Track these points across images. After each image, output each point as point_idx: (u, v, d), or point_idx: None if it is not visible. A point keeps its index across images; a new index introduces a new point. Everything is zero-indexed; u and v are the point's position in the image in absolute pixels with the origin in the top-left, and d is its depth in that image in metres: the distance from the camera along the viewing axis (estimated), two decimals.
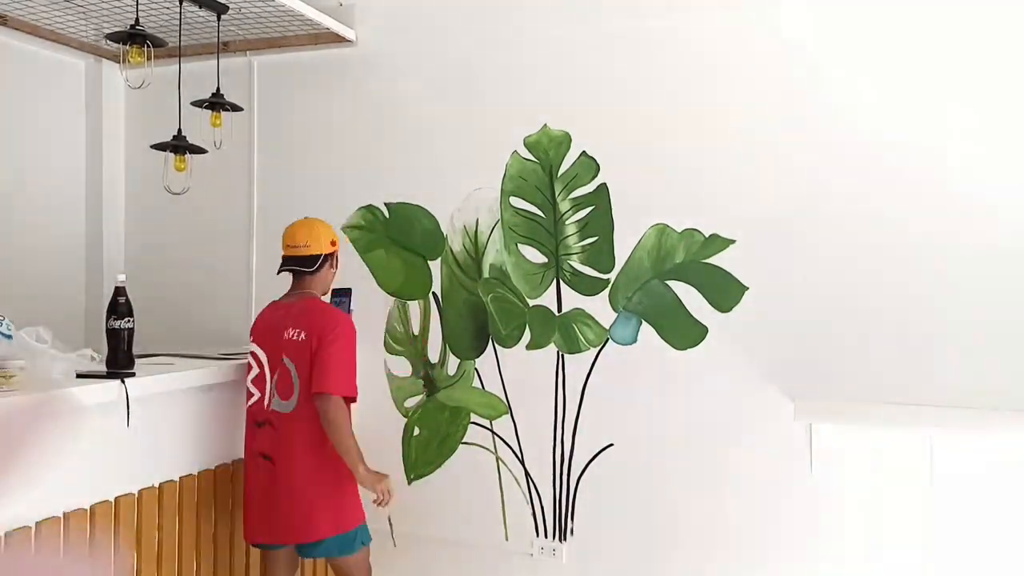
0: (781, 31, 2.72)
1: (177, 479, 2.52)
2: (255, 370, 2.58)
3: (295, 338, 2.48)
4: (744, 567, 2.77)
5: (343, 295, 2.95)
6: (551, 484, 3.02)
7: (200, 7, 2.92)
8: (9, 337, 2.09)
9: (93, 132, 3.63)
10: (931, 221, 2.57)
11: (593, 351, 2.96)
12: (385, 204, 3.25)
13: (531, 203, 3.03)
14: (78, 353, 2.29)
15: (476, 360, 3.12)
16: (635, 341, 2.90)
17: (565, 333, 2.99)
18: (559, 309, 3.00)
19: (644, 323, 2.89)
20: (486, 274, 3.10)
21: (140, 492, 2.36)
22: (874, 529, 2.64)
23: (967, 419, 2.47)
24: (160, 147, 2.94)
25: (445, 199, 3.15)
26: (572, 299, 2.98)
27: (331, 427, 2.40)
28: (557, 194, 2.99)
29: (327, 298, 2.74)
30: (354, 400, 2.52)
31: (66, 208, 3.58)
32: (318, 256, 2.57)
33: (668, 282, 2.85)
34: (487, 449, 3.11)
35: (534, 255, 3.03)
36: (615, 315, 2.92)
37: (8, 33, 3.17)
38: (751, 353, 2.75)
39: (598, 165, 2.93)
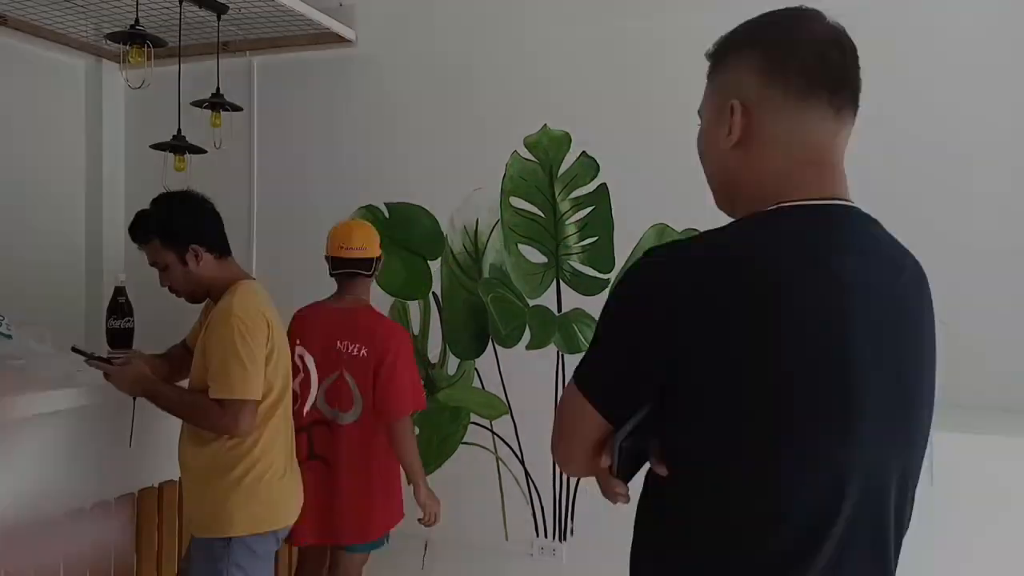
0: None
1: (177, 479, 2.52)
2: (300, 374, 2.49)
3: (355, 353, 2.46)
4: None
5: None
6: (551, 484, 3.02)
7: (200, 7, 2.92)
8: (9, 337, 2.09)
9: (93, 132, 3.63)
10: (931, 221, 2.56)
11: None
12: (385, 204, 3.25)
13: (531, 203, 3.03)
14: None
15: (476, 360, 3.12)
16: None
17: (565, 333, 2.99)
18: (559, 309, 3.00)
19: None
20: (486, 274, 3.10)
21: (140, 492, 2.36)
22: None
23: (967, 419, 2.46)
24: (160, 147, 2.94)
25: (445, 199, 3.15)
26: (572, 299, 2.98)
27: (402, 447, 2.48)
28: (557, 194, 2.99)
29: None
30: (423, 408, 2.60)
31: (66, 208, 3.58)
32: (372, 259, 2.54)
33: None
34: (487, 449, 3.11)
35: (534, 255, 3.03)
36: None
37: (8, 33, 3.17)
38: None
39: (598, 165, 2.93)
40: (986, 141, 2.52)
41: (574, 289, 2.97)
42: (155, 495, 2.43)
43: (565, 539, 3.01)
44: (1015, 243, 2.49)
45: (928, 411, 1.11)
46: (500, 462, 3.09)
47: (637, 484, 2.94)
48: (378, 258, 2.58)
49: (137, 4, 2.84)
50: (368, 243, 2.55)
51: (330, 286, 2.91)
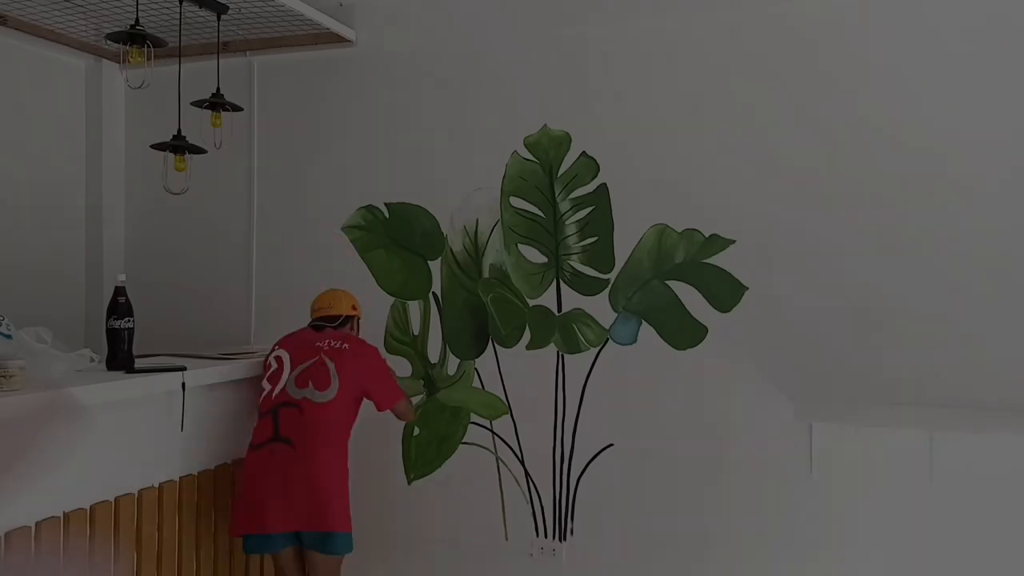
0: (782, 30, 2.73)
1: (177, 479, 2.52)
2: (272, 368, 2.68)
3: (336, 346, 2.69)
4: (744, 567, 2.77)
5: None
6: (551, 484, 3.02)
7: (200, 7, 2.92)
8: (9, 337, 2.09)
9: (93, 132, 3.63)
10: (932, 221, 2.57)
11: (593, 351, 2.96)
12: (385, 204, 3.25)
13: (531, 203, 3.03)
14: (77, 353, 2.29)
15: (476, 360, 3.12)
16: (635, 341, 2.90)
17: (565, 333, 2.99)
18: (559, 309, 3.00)
19: (644, 323, 2.89)
20: (486, 274, 3.10)
21: (140, 492, 2.36)
22: (874, 529, 2.64)
23: (967, 419, 2.47)
24: (160, 147, 2.94)
25: (445, 199, 3.15)
26: (572, 299, 2.98)
27: (409, 418, 2.92)
28: (557, 194, 2.99)
29: None
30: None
31: (66, 208, 3.58)
32: (338, 316, 2.83)
33: (668, 282, 2.85)
34: (487, 449, 3.11)
35: (534, 255, 3.03)
36: (615, 315, 2.92)
37: (8, 33, 3.17)
38: (751, 353, 2.75)
39: (598, 165, 2.93)
40: (986, 140, 2.52)
41: (574, 289, 2.97)
42: (155, 495, 2.43)
43: (565, 539, 3.01)
44: (1015, 243, 2.49)
45: None
46: (500, 462, 3.09)
47: (637, 484, 2.95)
48: (349, 316, 2.86)
49: (137, 4, 2.84)
50: (334, 303, 2.85)
51: (328, 285, 2.92)
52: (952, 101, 2.55)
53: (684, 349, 2.84)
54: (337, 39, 3.23)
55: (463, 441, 3.14)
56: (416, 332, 3.20)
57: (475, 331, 3.12)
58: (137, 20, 2.72)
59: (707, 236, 2.80)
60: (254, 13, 3.06)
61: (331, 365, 2.62)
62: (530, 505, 3.05)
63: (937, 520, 2.57)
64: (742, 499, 2.77)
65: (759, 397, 2.74)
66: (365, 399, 2.70)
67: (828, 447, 2.67)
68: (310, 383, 2.60)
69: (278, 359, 2.69)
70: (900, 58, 2.61)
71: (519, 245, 3.05)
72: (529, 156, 3.03)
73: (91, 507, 2.20)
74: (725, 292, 2.78)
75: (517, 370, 3.06)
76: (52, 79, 3.50)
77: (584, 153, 2.95)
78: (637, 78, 2.89)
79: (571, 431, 2.99)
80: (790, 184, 2.71)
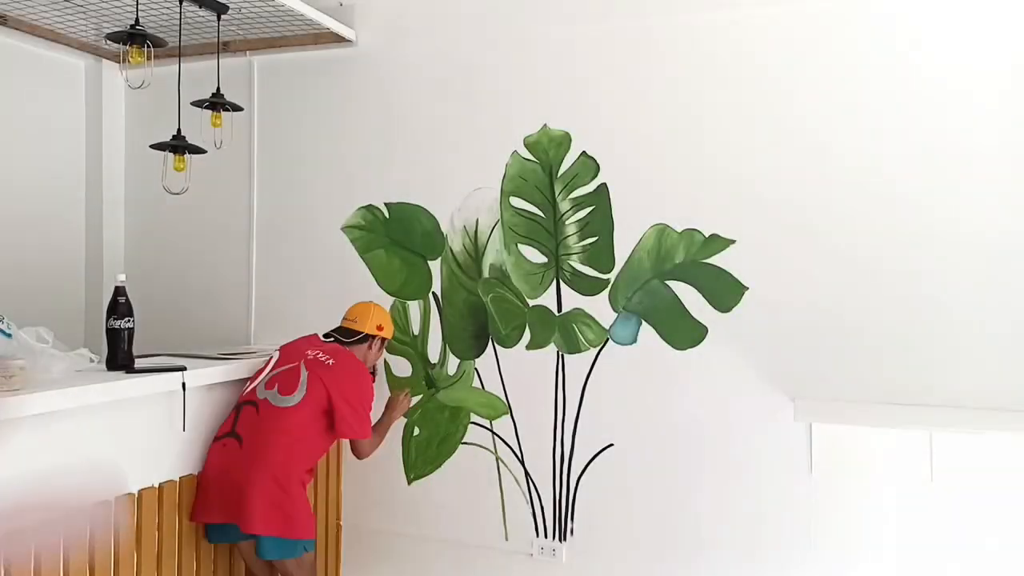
0: (781, 31, 2.72)
1: (177, 479, 2.52)
2: (259, 368, 2.72)
3: (322, 359, 2.67)
4: (744, 566, 2.77)
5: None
6: (551, 484, 3.02)
7: (200, 7, 2.92)
8: (9, 336, 2.09)
9: (93, 132, 3.63)
10: (932, 221, 2.57)
11: (593, 351, 2.96)
12: (385, 204, 3.25)
13: (531, 203, 3.03)
14: (77, 353, 2.29)
15: (476, 360, 3.12)
16: (635, 341, 2.90)
17: (565, 333, 2.99)
18: (559, 309, 3.00)
19: (644, 323, 2.89)
20: (486, 274, 3.10)
21: (140, 492, 2.36)
22: (874, 529, 2.64)
23: (967, 419, 2.46)
24: (160, 147, 2.94)
25: (445, 199, 3.15)
26: (572, 299, 2.98)
27: (362, 456, 2.78)
28: (557, 194, 2.99)
29: None
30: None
31: (66, 208, 3.58)
32: (358, 332, 2.82)
33: (668, 282, 2.86)
34: (487, 449, 3.11)
35: (534, 255, 3.03)
36: (615, 315, 2.92)
37: (8, 33, 3.17)
38: (751, 353, 2.75)
39: (598, 165, 2.93)
40: (987, 140, 2.52)
41: (574, 289, 2.97)
42: (155, 495, 2.42)
43: (565, 539, 3.01)
44: (1016, 243, 2.49)
45: None
46: (500, 462, 3.09)
47: (637, 484, 2.95)
48: (371, 336, 2.83)
49: (137, 4, 2.84)
50: (360, 318, 2.85)
51: (328, 285, 2.92)
52: (953, 101, 2.55)
53: (684, 349, 2.84)
54: (337, 39, 3.23)
55: (463, 441, 3.14)
56: (416, 332, 3.20)
57: (475, 331, 3.12)
58: (137, 20, 2.72)
59: (707, 236, 2.80)
60: (254, 13, 3.06)
61: (304, 374, 2.63)
62: (530, 505, 3.05)
63: (937, 520, 2.57)
64: (742, 499, 2.77)
65: (759, 397, 2.74)
66: None
67: (828, 447, 2.67)
68: (276, 386, 2.62)
69: (269, 359, 2.74)
70: (900, 58, 2.61)
71: (519, 245, 3.05)
72: (529, 156, 3.03)
73: (91, 507, 2.19)
74: (725, 292, 2.78)
75: (517, 370, 3.06)
76: (52, 79, 3.50)
77: (584, 153, 2.95)
78: (637, 78, 2.89)
79: (571, 431, 2.99)
80: (790, 184, 2.70)
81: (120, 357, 2.38)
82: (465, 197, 3.12)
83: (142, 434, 2.41)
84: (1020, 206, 2.49)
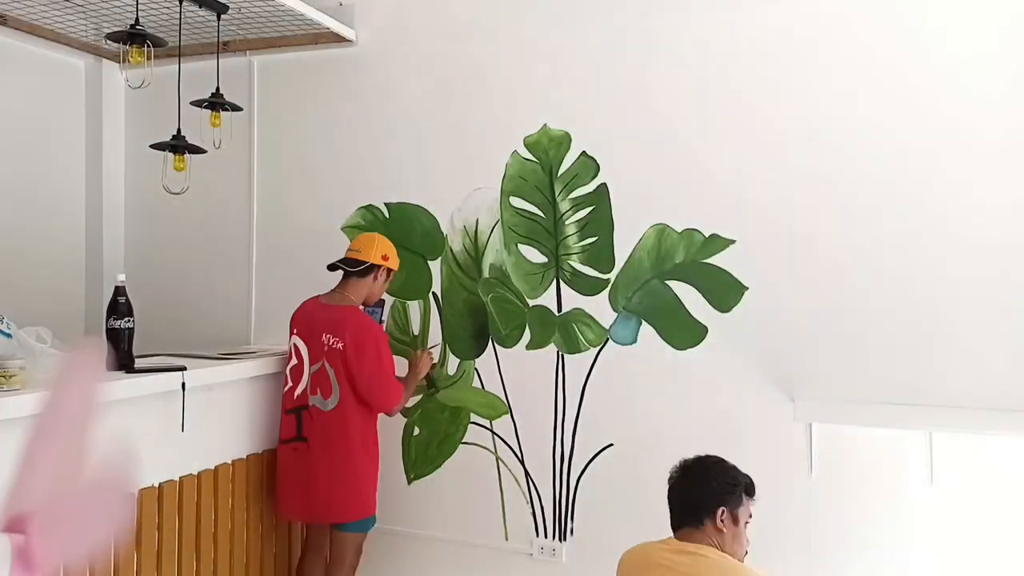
0: (781, 31, 2.72)
1: (177, 479, 2.52)
2: (293, 360, 2.80)
3: (334, 346, 2.71)
4: None
5: (376, 306, 2.98)
6: (551, 484, 3.02)
7: (200, 7, 2.92)
8: (9, 336, 2.09)
9: (93, 132, 3.63)
10: (932, 221, 2.57)
11: (593, 351, 2.96)
12: (385, 204, 3.25)
13: (531, 203, 3.03)
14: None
15: (476, 360, 3.12)
16: (635, 341, 2.90)
17: (565, 333, 2.99)
18: (559, 309, 3.00)
19: (644, 323, 2.89)
20: (486, 274, 3.10)
21: (140, 492, 2.36)
22: (874, 529, 2.64)
23: (967, 419, 2.46)
24: (160, 147, 2.94)
25: (445, 199, 3.15)
26: (572, 299, 2.98)
27: (392, 413, 2.92)
28: (557, 194, 2.99)
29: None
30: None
31: (66, 208, 3.58)
32: (364, 263, 2.79)
33: (668, 282, 2.85)
34: (487, 449, 3.11)
35: (534, 255, 3.03)
36: (615, 315, 2.92)
37: (8, 33, 3.17)
38: (751, 353, 2.75)
39: (598, 165, 2.93)
40: (987, 140, 2.52)
41: (574, 289, 2.97)
42: (155, 495, 2.43)
43: (565, 539, 3.01)
44: (1016, 242, 2.49)
45: None
46: (500, 462, 3.09)
47: (637, 484, 2.94)
48: (376, 266, 2.81)
49: (137, 4, 2.84)
50: (364, 248, 2.82)
51: (328, 285, 2.92)
52: (953, 101, 2.55)
53: (684, 349, 2.84)
54: (337, 39, 3.23)
55: (463, 441, 3.14)
56: (416, 332, 3.20)
57: (475, 331, 3.12)
58: (137, 20, 2.72)
59: (707, 236, 2.80)
60: (254, 13, 3.06)
61: (331, 372, 2.71)
62: (530, 505, 3.05)
63: (937, 520, 2.57)
64: None
65: (759, 397, 2.74)
66: None
67: (828, 447, 2.67)
68: (318, 391, 2.74)
69: (296, 350, 2.79)
70: (900, 58, 2.61)
71: (519, 245, 3.05)
72: (529, 156, 3.03)
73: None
74: (725, 292, 2.78)
75: (517, 370, 3.06)
76: (52, 79, 3.50)
77: (584, 153, 2.95)
78: (637, 78, 2.89)
79: (571, 431, 2.99)
80: (790, 184, 2.70)
81: (120, 357, 2.38)
82: (465, 197, 3.12)
83: (142, 434, 2.41)
84: (1020, 206, 2.49)
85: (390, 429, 3.18)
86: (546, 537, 3.03)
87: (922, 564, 2.58)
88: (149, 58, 2.65)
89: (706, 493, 2.00)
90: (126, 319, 2.38)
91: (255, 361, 2.83)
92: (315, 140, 3.37)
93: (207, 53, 3.19)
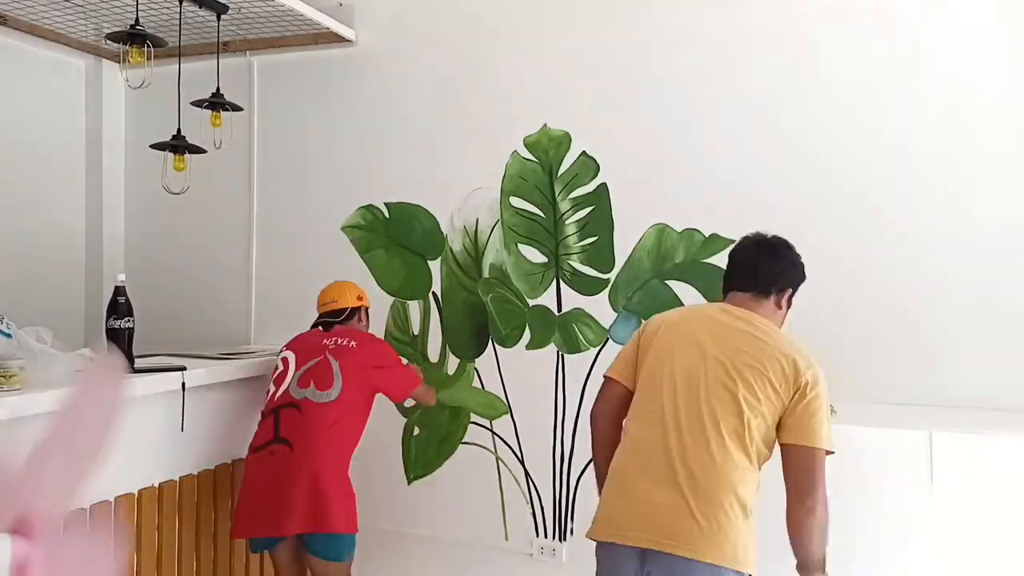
0: (781, 31, 2.72)
1: (177, 479, 2.52)
2: (279, 370, 2.66)
3: (343, 344, 2.64)
4: None
5: None
6: (551, 484, 3.02)
7: (200, 7, 2.92)
8: (9, 336, 2.09)
9: (93, 132, 3.63)
10: (932, 221, 2.57)
11: (593, 351, 2.96)
12: (385, 204, 3.25)
13: (531, 203, 3.03)
14: (77, 353, 2.29)
15: (476, 360, 3.12)
16: None
17: (565, 333, 2.99)
18: (559, 309, 3.00)
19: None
20: (486, 274, 3.10)
21: (140, 492, 2.36)
22: (874, 529, 2.63)
23: (967, 419, 2.46)
24: (160, 147, 2.94)
25: (445, 199, 3.15)
26: (572, 299, 2.98)
27: (432, 400, 2.92)
28: (557, 194, 2.99)
29: None
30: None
31: (66, 208, 3.58)
32: (344, 309, 2.78)
33: (668, 282, 2.85)
34: (487, 449, 3.11)
35: (534, 255, 3.03)
36: (615, 315, 2.92)
37: (8, 33, 3.17)
38: None
39: (598, 165, 2.93)
40: (987, 140, 2.52)
41: (574, 289, 2.97)
42: (155, 495, 2.42)
43: (565, 539, 3.01)
44: (1015, 242, 2.49)
45: None
46: (500, 462, 3.09)
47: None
48: (356, 308, 2.80)
49: (137, 4, 2.84)
50: (339, 296, 2.79)
51: (328, 284, 2.92)
52: (953, 101, 2.55)
53: None
54: (337, 39, 3.23)
55: (463, 441, 3.14)
56: (416, 332, 3.20)
57: (475, 331, 3.12)
58: (137, 20, 2.72)
59: (707, 236, 2.80)
60: (254, 13, 3.06)
61: (335, 364, 2.58)
62: (530, 505, 3.05)
63: (937, 520, 2.56)
64: None
65: None
66: (380, 394, 2.68)
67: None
68: (312, 383, 2.55)
69: (284, 361, 2.65)
70: (900, 58, 2.61)
71: (519, 245, 3.05)
72: (529, 156, 3.03)
73: (90, 507, 2.20)
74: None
75: (517, 370, 3.06)
76: (52, 79, 3.51)
77: (584, 153, 2.95)
78: (637, 78, 2.89)
79: (571, 431, 2.99)
80: (790, 184, 2.70)
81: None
82: (465, 197, 3.12)
83: (142, 434, 2.41)
84: (1020, 206, 2.49)
85: (390, 429, 3.18)
86: (546, 537, 3.03)
87: (922, 564, 2.58)
88: (149, 58, 2.65)
89: (784, 270, 2.06)
90: (126, 319, 2.37)
91: (255, 361, 2.83)
92: (315, 140, 3.37)
93: (207, 53, 3.19)
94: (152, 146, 2.96)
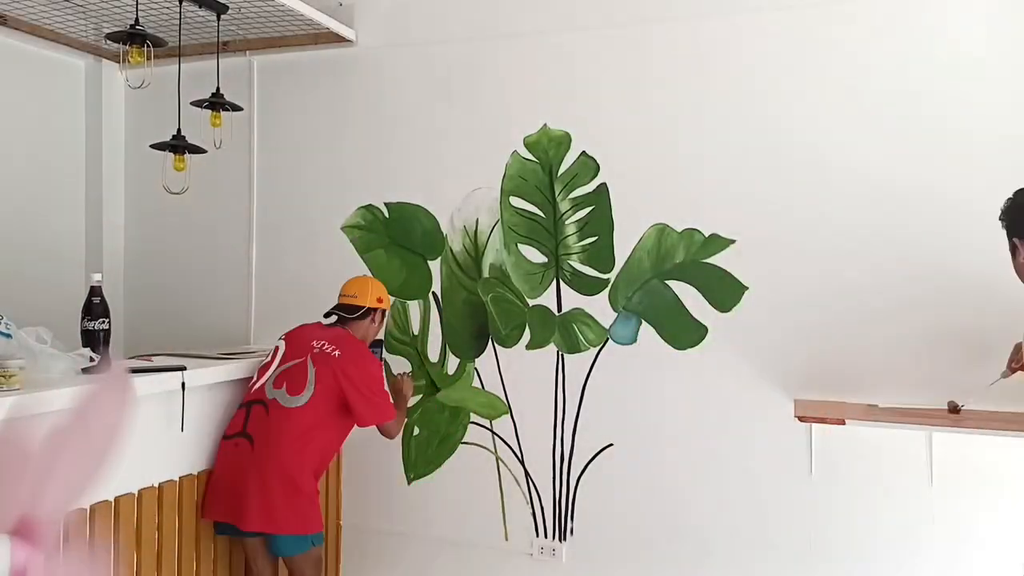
0: (781, 31, 2.72)
1: (177, 479, 2.52)
2: (266, 359, 2.69)
3: (327, 350, 2.60)
4: (744, 567, 2.77)
5: (375, 345, 2.95)
6: (551, 484, 3.02)
7: (200, 7, 2.92)
8: (9, 336, 2.09)
9: (93, 132, 3.63)
10: (931, 221, 2.57)
11: (593, 351, 2.96)
12: (385, 204, 3.25)
13: (531, 203, 3.03)
14: (77, 353, 2.28)
15: (476, 360, 3.12)
16: (635, 341, 2.90)
17: (565, 333, 2.99)
18: (559, 309, 3.00)
19: (644, 323, 2.89)
20: (486, 274, 3.10)
21: (140, 492, 2.36)
22: (874, 529, 2.64)
23: (967, 419, 2.46)
24: (160, 147, 2.94)
25: (445, 199, 3.15)
26: (572, 299, 2.98)
27: (392, 436, 2.75)
28: (557, 194, 2.99)
29: None
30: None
31: (66, 208, 3.57)
32: (362, 307, 2.74)
33: (668, 282, 2.85)
34: (487, 449, 3.11)
35: (534, 255, 3.03)
36: (615, 315, 2.92)
37: (8, 33, 3.17)
38: (751, 353, 2.75)
39: (598, 165, 2.93)
40: (987, 139, 2.52)
41: (574, 289, 2.97)
42: (155, 495, 2.42)
43: (565, 539, 3.01)
44: None
45: None
46: (500, 462, 3.09)
47: (637, 484, 2.94)
48: (373, 309, 2.76)
49: (137, 4, 2.84)
50: (360, 293, 2.76)
51: (328, 285, 2.92)
52: (952, 101, 2.55)
53: (684, 349, 2.84)
54: (337, 39, 3.23)
55: (463, 441, 3.14)
56: (416, 332, 3.20)
57: (475, 331, 3.12)
58: (137, 20, 2.72)
59: (707, 236, 2.80)
60: (254, 13, 3.06)
61: (312, 370, 2.56)
62: (530, 505, 3.05)
63: (937, 520, 2.57)
64: (742, 499, 2.77)
65: (759, 397, 2.74)
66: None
67: (828, 447, 2.67)
68: (284, 385, 2.57)
69: (275, 351, 2.69)
70: (900, 58, 2.61)
71: (519, 245, 3.05)
72: (529, 156, 3.03)
73: (90, 507, 2.19)
74: (725, 292, 2.78)
75: (517, 370, 3.06)
76: (52, 79, 3.50)
77: (584, 153, 2.95)
78: (637, 78, 2.89)
79: (571, 431, 2.99)
80: (790, 184, 2.70)
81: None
82: (465, 197, 3.12)
83: (142, 434, 2.40)
84: None
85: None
86: (546, 537, 3.03)
87: (922, 564, 2.58)
88: (149, 58, 2.65)
89: None
90: (101, 320, 2.31)
91: (255, 361, 2.83)
92: (315, 140, 3.37)
93: (207, 53, 3.19)
94: (152, 146, 2.96)
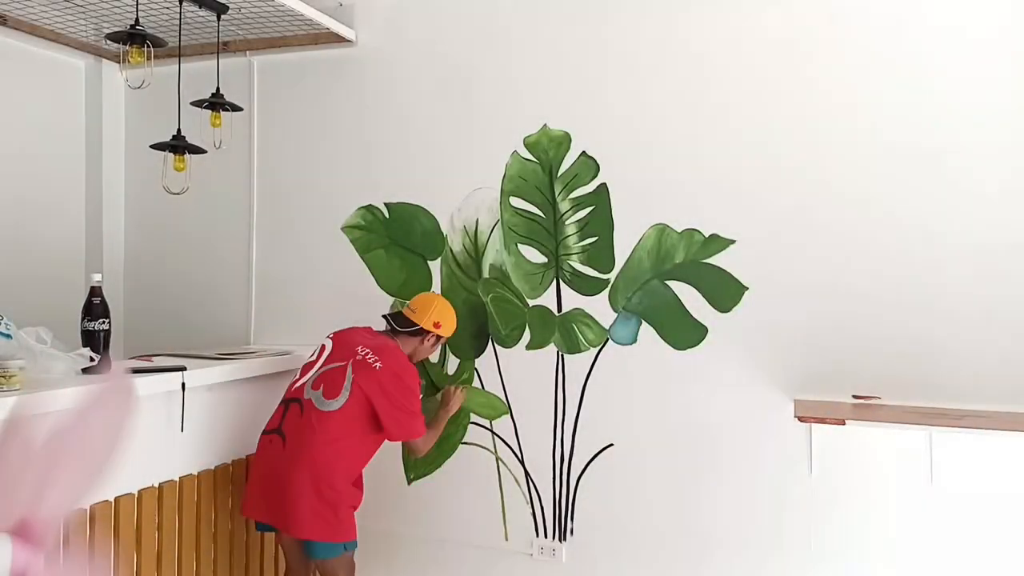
0: (781, 31, 2.72)
1: (177, 479, 2.52)
2: (312, 357, 2.67)
3: (370, 361, 2.58)
4: (744, 567, 2.77)
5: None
6: (551, 484, 3.02)
7: (200, 7, 2.92)
8: (9, 337, 2.09)
9: (93, 132, 3.63)
10: (932, 220, 2.57)
11: (593, 351, 2.96)
12: (385, 204, 3.25)
13: (531, 203, 3.03)
14: (77, 353, 2.28)
15: (476, 360, 3.12)
16: (635, 341, 2.90)
17: (565, 333, 2.99)
18: (559, 309, 3.00)
19: (644, 323, 2.89)
20: (486, 274, 3.10)
21: (140, 492, 2.36)
22: (874, 529, 2.64)
23: (967, 419, 2.46)
24: (160, 147, 2.94)
25: (445, 199, 3.15)
26: (572, 299, 2.98)
27: (419, 455, 2.81)
28: (557, 194, 2.99)
29: None
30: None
31: (66, 208, 3.58)
32: (414, 325, 2.75)
33: (668, 282, 2.85)
34: (487, 449, 3.11)
35: (534, 255, 3.03)
36: (615, 315, 2.92)
37: (8, 33, 3.17)
38: (751, 353, 2.75)
39: (598, 165, 2.93)
40: (987, 140, 2.52)
41: (574, 289, 2.97)
42: (155, 495, 2.42)
43: (565, 539, 3.01)
44: (1015, 243, 2.49)
45: None
46: (500, 462, 3.09)
47: (637, 484, 2.94)
48: (425, 331, 2.75)
49: (137, 4, 2.84)
50: (420, 310, 2.76)
51: (328, 285, 2.92)
52: (952, 101, 2.55)
53: (684, 349, 2.84)
54: (337, 39, 3.23)
55: (463, 441, 3.14)
56: None
57: (475, 331, 3.12)
58: (137, 20, 2.72)
59: (707, 236, 2.80)
60: (254, 13, 3.06)
61: (350, 377, 2.54)
62: (530, 505, 3.05)
63: (937, 520, 2.57)
64: (742, 499, 2.77)
65: (759, 397, 2.74)
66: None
67: (828, 447, 2.67)
68: (321, 387, 2.55)
69: (322, 349, 2.67)
70: (899, 58, 2.61)
71: (519, 245, 3.05)
72: (529, 156, 3.03)
73: (90, 507, 2.20)
74: (725, 292, 2.78)
75: (517, 370, 3.06)
76: (52, 79, 3.51)
77: (584, 153, 2.95)
78: (637, 78, 2.89)
79: (571, 431, 2.99)
80: (790, 184, 2.70)
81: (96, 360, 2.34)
82: (465, 197, 3.12)
83: (142, 434, 2.40)
84: (1020, 206, 2.49)
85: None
86: (546, 537, 3.03)
87: (922, 564, 2.58)
88: (149, 58, 2.65)
89: None
90: (101, 320, 2.31)
91: (255, 361, 2.83)
92: (315, 140, 3.37)
93: (207, 53, 3.19)
94: (152, 146, 2.96)
